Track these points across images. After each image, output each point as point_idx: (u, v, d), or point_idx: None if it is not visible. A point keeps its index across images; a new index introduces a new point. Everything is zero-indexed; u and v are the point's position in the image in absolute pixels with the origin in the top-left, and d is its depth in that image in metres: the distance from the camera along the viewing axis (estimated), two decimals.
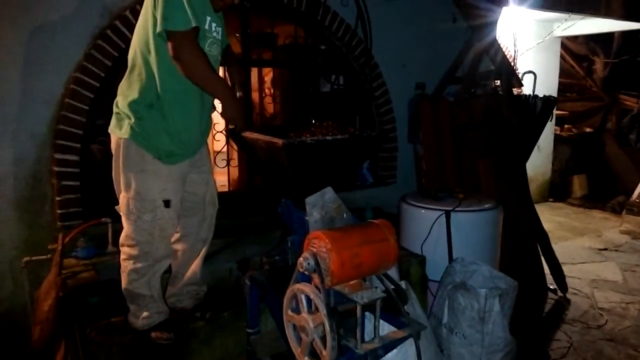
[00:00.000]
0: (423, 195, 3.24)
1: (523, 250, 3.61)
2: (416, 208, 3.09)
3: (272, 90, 4.23)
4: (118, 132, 2.06)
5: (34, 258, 2.74)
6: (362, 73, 3.96)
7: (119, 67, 2.96)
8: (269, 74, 4.45)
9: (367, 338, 1.67)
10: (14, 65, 2.73)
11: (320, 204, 1.66)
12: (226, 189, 4.04)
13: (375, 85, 4.04)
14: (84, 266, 2.74)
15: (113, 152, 2.10)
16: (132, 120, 2.01)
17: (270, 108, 4.40)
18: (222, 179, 3.93)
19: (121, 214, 2.15)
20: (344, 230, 1.64)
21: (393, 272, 2.45)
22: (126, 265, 2.15)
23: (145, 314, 2.14)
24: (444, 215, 2.94)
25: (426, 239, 2.97)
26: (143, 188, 2.06)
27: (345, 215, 1.72)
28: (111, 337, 2.09)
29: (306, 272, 1.59)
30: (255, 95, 4.44)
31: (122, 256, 2.17)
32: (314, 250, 1.59)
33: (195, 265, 2.35)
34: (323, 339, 1.58)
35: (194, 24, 1.84)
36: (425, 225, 3.00)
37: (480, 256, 2.81)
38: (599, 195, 6.91)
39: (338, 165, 1.92)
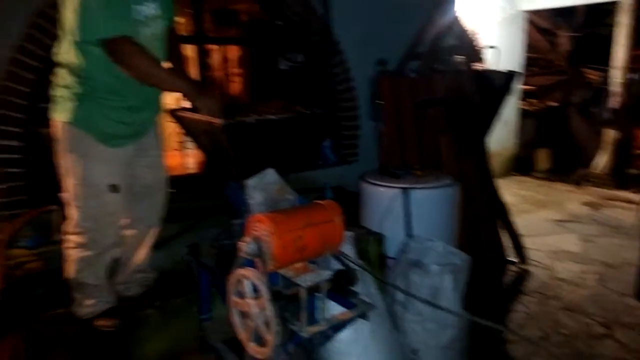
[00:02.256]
0: (382, 173, 3.22)
1: (482, 225, 3.64)
2: (374, 186, 3.06)
3: (235, 70, 4.13)
4: (58, 115, 1.96)
5: None
6: (322, 50, 3.88)
7: None
8: (232, 53, 4.34)
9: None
10: None
11: (262, 185, 1.61)
12: (184, 172, 3.94)
13: (335, 62, 3.97)
14: (31, 256, 2.64)
15: (54, 136, 2.00)
16: (72, 103, 1.92)
17: (234, 87, 4.31)
18: (180, 162, 3.84)
19: (65, 201, 2.06)
20: (287, 213, 1.60)
21: (350, 252, 2.43)
22: (72, 254, 2.07)
23: (90, 302, 2.07)
24: (402, 192, 2.92)
25: (385, 217, 2.95)
26: (87, 173, 1.98)
27: (289, 197, 1.67)
28: (55, 329, 2.02)
29: (249, 257, 1.55)
30: (218, 75, 4.35)
31: (68, 244, 2.09)
32: (256, 234, 1.54)
33: (143, 252, 2.28)
34: (268, 324, 1.55)
35: (119, 33, 1.76)
36: (383, 203, 2.99)
37: (439, 233, 2.81)
38: (563, 168, 7.02)
39: (287, 144, 1.86)
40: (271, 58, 3.86)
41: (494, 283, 3.66)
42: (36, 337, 2.04)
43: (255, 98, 3.99)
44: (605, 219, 5.14)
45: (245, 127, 1.65)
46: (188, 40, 3.63)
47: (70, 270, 2.07)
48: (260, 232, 1.53)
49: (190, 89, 1.81)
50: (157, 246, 3.02)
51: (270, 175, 1.61)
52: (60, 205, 2.54)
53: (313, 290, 1.58)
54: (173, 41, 2.17)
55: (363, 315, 1.70)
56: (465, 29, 4.43)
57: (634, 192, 5.99)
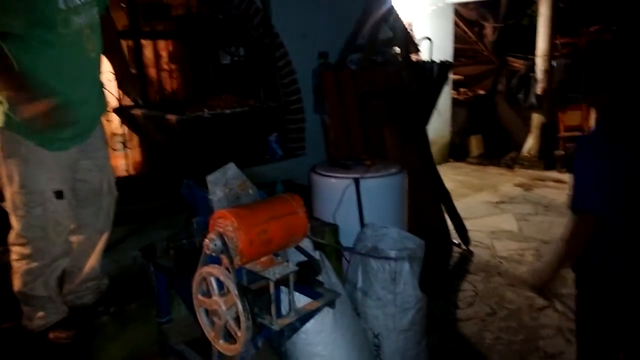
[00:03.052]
0: (332, 165, 3.25)
1: (428, 210, 3.78)
2: (326, 177, 3.09)
3: (170, 66, 4.00)
4: None
5: None
6: (263, 43, 3.85)
7: None
8: (165, 48, 4.20)
9: (285, 313, 1.65)
10: None
11: (223, 181, 1.58)
12: (127, 173, 3.78)
13: (277, 56, 3.95)
14: None
15: None
16: (6, 106, 1.79)
17: (169, 84, 4.18)
18: (122, 163, 3.68)
19: (8, 210, 1.92)
20: (250, 207, 1.58)
21: (307, 244, 2.45)
22: (19, 266, 1.95)
23: (40, 314, 1.96)
24: (353, 182, 2.97)
25: (338, 207, 2.99)
26: (28, 180, 1.86)
27: (251, 191, 1.66)
28: (5, 344, 1.89)
29: (213, 254, 1.52)
30: (152, 72, 4.19)
31: (14, 256, 1.96)
32: (220, 230, 1.52)
33: (94, 259, 2.18)
34: (237, 320, 1.53)
35: None
36: (335, 194, 3.02)
37: (390, 219, 2.89)
38: (494, 153, 7.41)
39: (240, 139, 1.84)
40: (212, 52, 3.78)
41: (442, 265, 3.81)
42: None
43: (198, 93, 3.88)
44: (537, 199, 5.49)
45: (200, 122, 1.61)
46: (122, 35, 3.49)
47: (17, 282, 1.94)
48: (225, 228, 1.50)
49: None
50: (104, 251, 2.93)
51: (231, 170, 1.59)
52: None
53: (281, 283, 1.57)
54: (109, 30, 2.06)
55: (330, 304, 1.72)
56: (401, 20, 4.55)
57: (560, 172, 6.42)
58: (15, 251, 1.92)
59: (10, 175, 1.84)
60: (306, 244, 2.43)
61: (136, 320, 2.20)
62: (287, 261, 1.67)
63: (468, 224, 4.28)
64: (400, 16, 4.64)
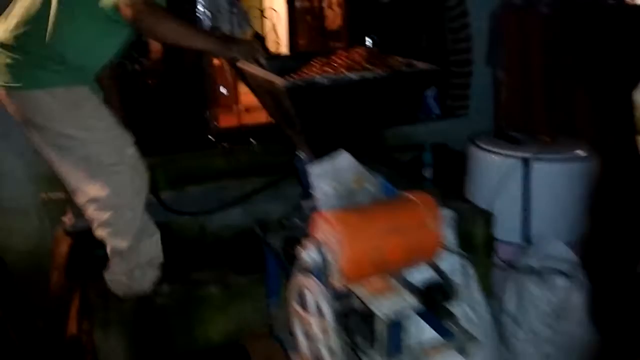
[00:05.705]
0: (498, 136, 2.64)
1: (623, 217, 2.92)
2: (487, 153, 2.51)
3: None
4: (37, 83, 1.67)
5: (51, 195, 2.53)
6: None
7: None
8: None
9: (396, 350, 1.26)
10: None
11: (332, 173, 1.19)
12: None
13: None
14: None
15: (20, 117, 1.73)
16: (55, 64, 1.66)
17: (329, 21, 3.80)
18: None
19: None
20: (364, 212, 1.17)
21: (450, 235, 1.97)
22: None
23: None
24: (522, 163, 2.34)
25: (497, 192, 2.41)
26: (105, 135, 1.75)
27: (370, 188, 1.24)
28: (108, 303, 1.85)
29: (309, 269, 1.17)
30: (315, 5, 3.88)
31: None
32: (321, 238, 1.15)
33: None
34: (331, 351, 1.19)
35: None
36: (496, 174, 2.44)
37: (567, 220, 2.27)
38: None
39: (369, 112, 1.41)
40: None
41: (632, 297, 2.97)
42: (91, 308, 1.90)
43: (352, 34, 3.43)
44: None
45: (315, 90, 1.21)
46: None
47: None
48: (327, 237, 1.13)
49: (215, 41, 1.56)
50: (237, 202, 2.81)
51: (343, 160, 1.19)
52: None
53: (394, 320, 1.17)
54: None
55: (461, 350, 1.28)
56: None
57: None
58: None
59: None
60: (449, 235, 1.97)
61: (245, 296, 2.01)
62: (407, 284, 1.25)
63: None
64: None
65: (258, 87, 1.43)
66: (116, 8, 1.51)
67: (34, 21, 1.66)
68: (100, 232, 1.82)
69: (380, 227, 1.12)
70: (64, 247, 2.37)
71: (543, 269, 1.81)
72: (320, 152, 1.38)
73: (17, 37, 1.66)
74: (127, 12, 1.49)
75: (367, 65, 1.39)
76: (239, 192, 2.88)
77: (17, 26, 1.67)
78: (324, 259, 1.14)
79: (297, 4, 3.78)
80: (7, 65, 1.65)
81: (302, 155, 1.53)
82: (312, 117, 1.28)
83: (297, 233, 1.66)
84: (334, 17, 3.74)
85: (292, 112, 1.26)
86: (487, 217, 2.44)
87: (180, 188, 2.80)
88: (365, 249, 1.10)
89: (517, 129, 2.69)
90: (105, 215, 1.76)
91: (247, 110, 3.74)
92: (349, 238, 1.09)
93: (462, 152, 3.15)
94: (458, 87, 3.50)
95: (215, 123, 2.97)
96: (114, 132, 1.76)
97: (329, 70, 1.38)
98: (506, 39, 3.29)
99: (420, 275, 1.30)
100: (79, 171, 1.72)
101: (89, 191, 1.73)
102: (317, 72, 1.38)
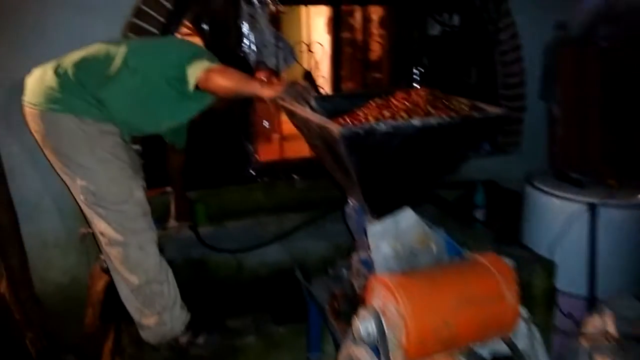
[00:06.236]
0: (558, 178, 2.45)
1: None
2: (548, 196, 2.32)
3: (378, 31, 3.53)
4: (71, 109, 1.70)
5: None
6: (485, 10, 3.09)
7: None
8: (376, 12, 3.72)
9: None
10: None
11: (393, 233, 1.05)
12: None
13: (501, 27, 3.16)
14: None
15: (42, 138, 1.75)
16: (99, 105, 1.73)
17: (374, 55, 3.72)
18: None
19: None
20: (430, 279, 1.03)
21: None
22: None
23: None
24: (588, 209, 2.15)
25: (559, 239, 2.22)
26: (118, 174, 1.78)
27: (434, 248, 1.10)
28: (142, 352, 1.75)
29: (364, 341, 1.03)
30: (358, 38, 3.81)
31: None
32: (378, 306, 1.01)
33: None
34: None
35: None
36: (558, 219, 2.25)
37: (637, 272, 2.02)
38: None
39: (432, 160, 1.28)
40: (419, 20, 3.17)
41: None
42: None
43: (396, 70, 3.33)
44: None
45: (376, 138, 1.09)
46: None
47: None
48: (386, 305, 0.99)
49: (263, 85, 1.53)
50: (276, 239, 2.69)
51: (407, 218, 1.06)
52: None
53: None
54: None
55: None
56: None
57: None
58: None
59: None
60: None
61: (283, 348, 1.88)
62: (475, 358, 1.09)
63: None
64: None
65: (309, 131, 1.32)
66: (198, 86, 1.59)
67: (99, 64, 1.71)
68: (113, 266, 1.80)
69: (450, 299, 0.98)
70: (100, 284, 2.30)
71: (617, 334, 1.60)
72: (377, 203, 1.25)
73: (77, 67, 1.70)
74: (205, 84, 1.57)
75: (430, 109, 1.26)
76: (278, 229, 2.78)
77: (82, 60, 1.73)
78: (382, 332, 1.00)
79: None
80: (51, 88, 1.68)
81: (353, 203, 1.41)
82: (369, 166, 1.16)
83: (344, 286, 1.53)
84: (376, 48, 3.66)
85: (347, 161, 1.14)
86: (547, 265, 2.24)
87: (219, 223, 2.73)
88: (432, 325, 0.96)
89: (575, 168, 2.49)
90: (114, 251, 1.75)
91: (284, 139, 3.67)
92: (414, 312, 0.95)
93: (515, 191, 2.96)
94: (510, 122, 3.33)
95: (257, 156, 2.89)
96: (127, 172, 1.76)
97: (387, 114, 1.26)
98: (562, 73, 3.11)
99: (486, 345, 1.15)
100: (87, 204, 1.72)
101: (98, 224, 1.75)
102: (373, 116, 1.26)
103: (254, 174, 2.89)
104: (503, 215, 2.75)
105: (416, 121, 1.13)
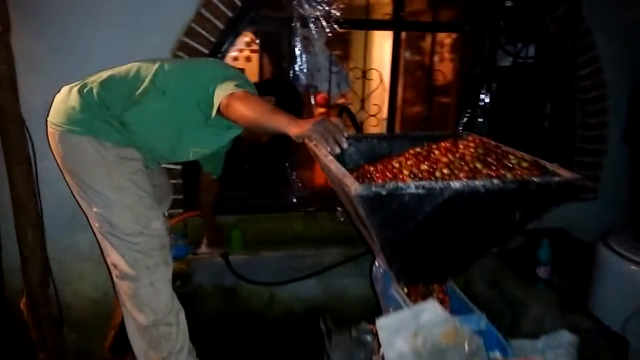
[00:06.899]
0: (639, 238, 2.10)
1: None
2: (625, 261, 1.98)
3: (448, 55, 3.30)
4: (92, 131, 1.61)
5: None
6: (564, 41, 2.78)
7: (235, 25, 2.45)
8: (448, 35, 3.49)
9: None
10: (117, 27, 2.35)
11: (413, 326, 0.84)
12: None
13: (582, 61, 2.84)
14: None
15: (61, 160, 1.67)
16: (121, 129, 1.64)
17: (443, 79, 3.48)
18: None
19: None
20: None
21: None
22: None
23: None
24: None
25: (635, 313, 1.88)
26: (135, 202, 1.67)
27: (467, 348, 0.87)
28: None
29: None
30: (425, 60, 3.60)
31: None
32: None
33: None
34: None
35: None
36: (637, 289, 1.91)
37: None
38: None
39: (474, 230, 1.05)
40: (489, 50, 2.90)
41: None
42: None
43: (464, 92, 3.05)
44: None
45: (401, 199, 0.89)
46: (382, 25, 3.02)
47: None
48: None
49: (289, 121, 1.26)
50: (314, 273, 2.58)
51: (430, 311, 0.84)
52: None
53: None
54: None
55: None
56: None
57: None
58: None
59: None
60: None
61: None
62: None
63: None
64: None
65: (332, 180, 1.14)
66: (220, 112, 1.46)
67: (126, 84, 1.63)
68: (122, 301, 1.69)
69: None
70: (120, 311, 2.23)
71: None
72: (405, 272, 1.04)
73: (102, 87, 1.62)
74: (225, 110, 1.44)
75: (478, 166, 1.04)
76: (316, 262, 2.63)
77: (109, 79, 1.65)
78: None
79: (407, 55, 3.53)
80: (72, 107, 1.60)
81: (380, 263, 1.20)
82: (395, 231, 0.96)
83: (366, 355, 1.33)
84: (445, 71, 3.42)
85: (367, 223, 0.95)
86: (618, 343, 1.91)
87: (255, 251, 2.60)
88: None
89: None
90: (124, 285, 1.63)
91: None
92: None
93: (588, 243, 2.60)
94: (587, 167, 2.96)
95: (299, 185, 2.74)
96: (145, 202, 1.63)
97: (425, 167, 1.05)
98: None
99: None
100: (101, 232, 1.62)
101: (110, 254, 1.63)
102: (407, 168, 1.06)
103: (295, 202, 2.75)
104: (572, 273, 2.42)
105: (456, 182, 0.92)
